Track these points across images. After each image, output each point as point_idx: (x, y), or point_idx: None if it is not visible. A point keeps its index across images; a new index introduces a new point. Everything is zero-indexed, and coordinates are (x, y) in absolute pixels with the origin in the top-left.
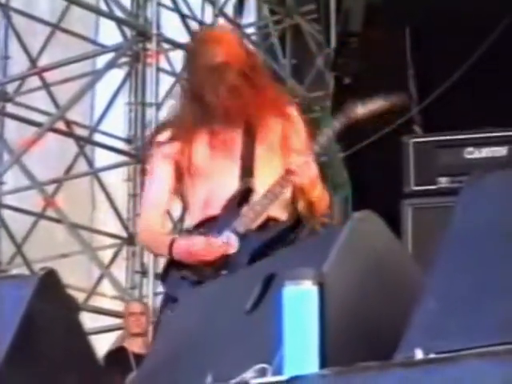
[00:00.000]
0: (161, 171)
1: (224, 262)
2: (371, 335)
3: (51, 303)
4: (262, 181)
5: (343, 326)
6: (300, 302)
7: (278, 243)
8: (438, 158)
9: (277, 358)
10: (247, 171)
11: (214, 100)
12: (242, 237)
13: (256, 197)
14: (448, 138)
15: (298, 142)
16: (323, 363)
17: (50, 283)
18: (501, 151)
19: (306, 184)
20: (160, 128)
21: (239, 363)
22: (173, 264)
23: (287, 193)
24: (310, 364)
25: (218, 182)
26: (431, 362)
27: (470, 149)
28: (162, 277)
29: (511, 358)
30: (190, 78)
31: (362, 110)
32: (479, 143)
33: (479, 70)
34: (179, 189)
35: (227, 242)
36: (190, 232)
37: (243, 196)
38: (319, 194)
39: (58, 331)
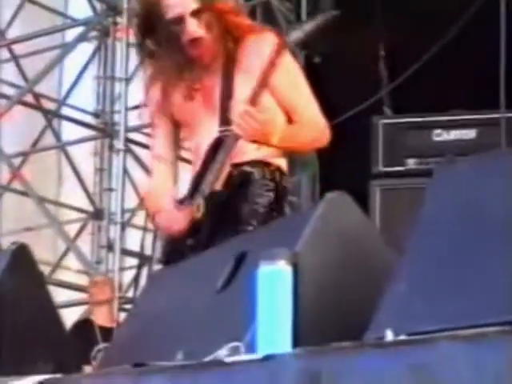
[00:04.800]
0: (157, 127)
1: (190, 230)
2: (344, 314)
3: (22, 277)
4: None
5: (316, 305)
6: (274, 282)
7: (237, 199)
8: (406, 140)
9: (249, 336)
10: (225, 118)
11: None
12: (209, 200)
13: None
14: (417, 119)
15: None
16: (296, 342)
17: (21, 258)
18: (469, 134)
19: (252, 136)
20: (148, 85)
21: (211, 341)
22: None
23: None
24: (283, 343)
25: (201, 135)
26: (402, 343)
27: (439, 131)
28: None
29: (482, 341)
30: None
31: (297, 33)
32: (448, 125)
33: (450, 52)
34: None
35: (193, 209)
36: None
37: (216, 148)
38: (284, 136)
39: (27, 305)
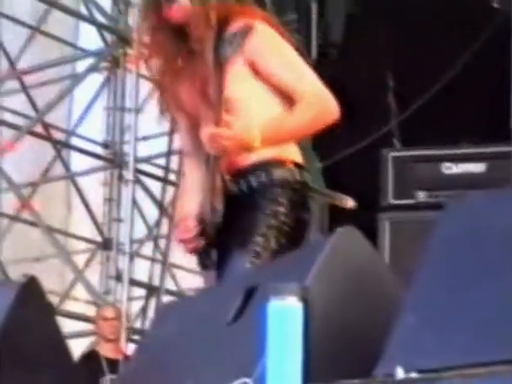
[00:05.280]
0: (179, 124)
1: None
2: (354, 348)
3: (31, 309)
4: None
5: (326, 339)
6: (284, 318)
7: (241, 206)
8: (416, 173)
9: (258, 371)
10: (219, 117)
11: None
12: (212, 214)
13: None
14: (426, 152)
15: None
16: (306, 379)
17: (30, 290)
18: (479, 167)
19: (231, 151)
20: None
21: (220, 375)
22: None
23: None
24: (293, 379)
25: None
26: (412, 381)
27: (448, 164)
28: None
29: (492, 381)
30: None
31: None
32: (457, 159)
33: (459, 84)
34: None
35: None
36: None
37: (208, 160)
38: (267, 134)
39: (37, 336)
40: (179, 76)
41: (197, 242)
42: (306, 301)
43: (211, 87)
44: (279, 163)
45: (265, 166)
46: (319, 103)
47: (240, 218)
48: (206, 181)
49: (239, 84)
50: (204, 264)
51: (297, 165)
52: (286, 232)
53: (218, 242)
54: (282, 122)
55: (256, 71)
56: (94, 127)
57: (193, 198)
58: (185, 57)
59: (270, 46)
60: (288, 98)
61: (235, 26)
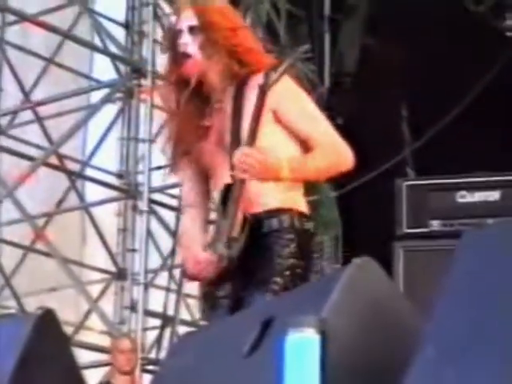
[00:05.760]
0: (185, 174)
1: (218, 280)
2: (371, 381)
3: (48, 341)
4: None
5: (344, 372)
6: (302, 350)
7: (258, 254)
8: (430, 201)
9: None
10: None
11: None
12: (227, 246)
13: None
14: (440, 181)
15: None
16: None
17: (46, 322)
18: (493, 195)
19: (258, 174)
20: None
21: None
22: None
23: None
24: None
25: (222, 179)
26: None
27: (463, 192)
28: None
29: None
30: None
31: (275, 75)
32: (471, 187)
33: (473, 113)
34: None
35: (216, 256)
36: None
37: (226, 194)
38: (294, 166)
39: (53, 367)
40: (199, 131)
41: (209, 273)
42: (323, 333)
43: (232, 133)
44: (288, 212)
45: (275, 213)
46: (335, 152)
47: (256, 258)
48: (222, 214)
49: (263, 127)
50: (213, 297)
51: (302, 214)
52: (299, 274)
53: (232, 277)
54: (309, 160)
55: (277, 118)
56: (108, 157)
57: (198, 245)
58: (206, 111)
59: (290, 96)
60: (305, 146)
61: (257, 76)
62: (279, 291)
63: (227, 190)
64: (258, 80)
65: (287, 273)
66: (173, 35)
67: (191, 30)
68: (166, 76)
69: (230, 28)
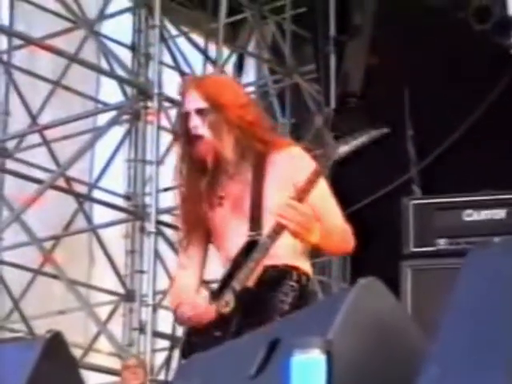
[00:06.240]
0: (189, 238)
1: (218, 323)
2: None
3: (56, 364)
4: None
5: None
6: (308, 371)
7: (266, 297)
8: (437, 220)
9: None
10: (255, 223)
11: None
12: (239, 296)
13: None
14: (447, 200)
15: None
16: None
17: (55, 345)
18: (499, 214)
19: (295, 229)
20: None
21: None
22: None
23: (286, 239)
24: None
25: (231, 240)
26: None
27: (469, 211)
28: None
29: None
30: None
31: (344, 148)
32: (478, 205)
33: (479, 131)
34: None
35: (222, 304)
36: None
37: (248, 250)
38: (322, 234)
39: None
40: (198, 193)
41: (203, 320)
42: (329, 353)
43: (252, 204)
44: (294, 269)
45: (283, 268)
46: (349, 233)
47: (256, 306)
48: (246, 260)
49: (279, 197)
50: (211, 334)
51: (306, 274)
52: None
53: (229, 323)
54: (332, 231)
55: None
56: (116, 180)
57: (194, 292)
58: (219, 182)
59: (307, 171)
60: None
61: (278, 151)
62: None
63: (248, 247)
64: (284, 155)
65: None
66: (183, 118)
67: (199, 112)
68: (181, 159)
69: (240, 106)
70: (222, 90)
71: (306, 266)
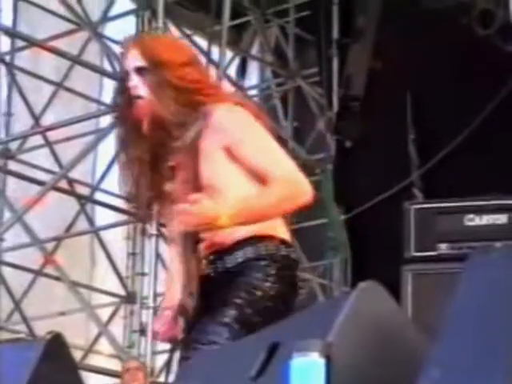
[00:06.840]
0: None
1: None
2: None
3: (56, 365)
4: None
5: None
6: (307, 374)
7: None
8: (438, 225)
9: None
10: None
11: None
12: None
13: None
14: (448, 204)
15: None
16: None
17: (55, 347)
18: (501, 219)
19: (197, 227)
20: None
21: None
22: None
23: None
24: None
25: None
26: None
27: (471, 216)
28: None
29: None
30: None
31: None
32: (480, 210)
33: (481, 135)
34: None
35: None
36: None
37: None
38: (238, 212)
39: None
40: (164, 172)
41: (172, 333)
42: (328, 357)
43: (188, 171)
44: (264, 238)
45: (250, 241)
46: (289, 186)
47: (218, 294)
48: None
49: (216, 167)
50: (183, 357)
51: (283, 242)
52: (266, 307)
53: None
54: (250, 202)
55: (231, 154)
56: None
57: (178, 288)
58: (168, 150)
59: (244, 130)
60: (263, 181)
61: (209, 110)
62: (231, 324)
63: (186, 233)
64: (215, 117)
65: (246, 305)
66: (123, 77)
67: (138, 70)
68: (121, 120)
69: (181, 64)
70: (162, 47)
71: (277, 228)
